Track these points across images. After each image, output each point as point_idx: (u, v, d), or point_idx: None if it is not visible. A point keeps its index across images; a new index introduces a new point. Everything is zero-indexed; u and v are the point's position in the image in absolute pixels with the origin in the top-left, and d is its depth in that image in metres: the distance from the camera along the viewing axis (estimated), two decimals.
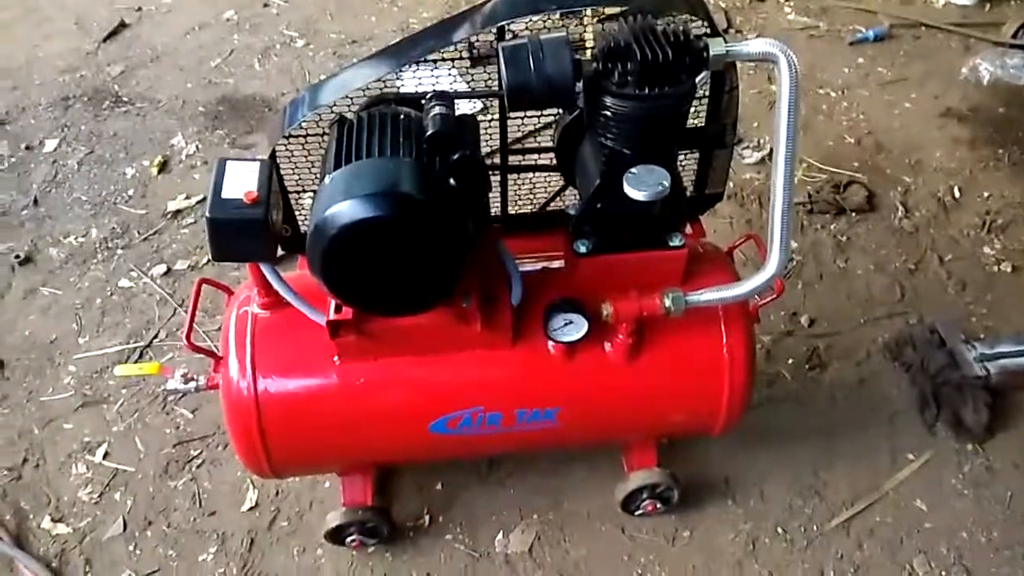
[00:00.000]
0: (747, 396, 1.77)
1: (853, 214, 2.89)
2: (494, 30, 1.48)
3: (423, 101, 1.49)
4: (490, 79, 1.59)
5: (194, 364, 1.69)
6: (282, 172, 1.69)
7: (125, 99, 3.58)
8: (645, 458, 1.97)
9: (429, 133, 1.39)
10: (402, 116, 1.49)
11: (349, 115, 1.57)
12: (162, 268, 2.74)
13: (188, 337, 1.63)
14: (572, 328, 1.62)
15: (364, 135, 1.44)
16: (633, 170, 1.47)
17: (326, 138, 1.58)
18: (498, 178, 1.81)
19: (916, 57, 3.73)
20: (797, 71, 1.44)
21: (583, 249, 1.63)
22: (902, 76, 3.61)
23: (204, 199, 3.05)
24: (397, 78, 1.56)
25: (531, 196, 1.93)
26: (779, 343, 2.46)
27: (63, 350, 2.51)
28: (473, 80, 1.62)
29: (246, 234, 1.43)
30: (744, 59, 1.45)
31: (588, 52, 1.52)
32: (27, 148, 3.31)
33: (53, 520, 2.13)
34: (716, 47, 1.42)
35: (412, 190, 1.34)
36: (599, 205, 1.57)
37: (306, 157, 1.70)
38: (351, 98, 1.56)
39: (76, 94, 3.62)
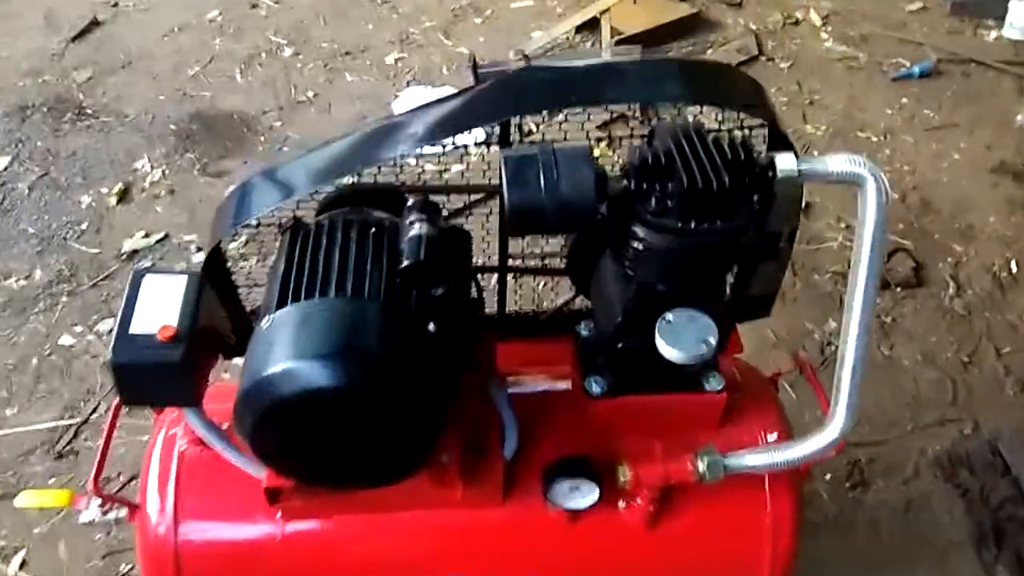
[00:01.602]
0: (792, 567, 1.44)
1: (898, 289, 2.55)
2: (496, 127, 1.14)
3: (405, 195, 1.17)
4: None
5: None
6: (229, 266, 1.37)
7: (89, 111, 3.24)
8: None
9: (403, 265, 1.07)
10: (373, 227, 1.16)
11: (309, 209, 1.25)
12: (109, 323, 2.40)
13: (96, 480, 1.31)
14: (579, 495, 1.29)
15: (321, 256, 1.11)
16: (669, 316, 1.14)
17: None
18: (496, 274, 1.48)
19: (966, 99, 3.38)
20: (888, 197, 1.11)
21: (597, 389, 1.31)
22: (951, 121, 3.27)
23: (166, 237, 2.72)
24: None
25: (535, 296, 1.61)
26: None
27: None
28: None
29: (161, 380, 1.11)
30: (821, 180, 1.11)
31: None
32: None
33: None
34: (785, 164, 1.08)
35: (376, 348, 1.02)
36: (620, 344, 1.24)
37: (259, 249, 1.38)
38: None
39: (36, 103, 3.28)
